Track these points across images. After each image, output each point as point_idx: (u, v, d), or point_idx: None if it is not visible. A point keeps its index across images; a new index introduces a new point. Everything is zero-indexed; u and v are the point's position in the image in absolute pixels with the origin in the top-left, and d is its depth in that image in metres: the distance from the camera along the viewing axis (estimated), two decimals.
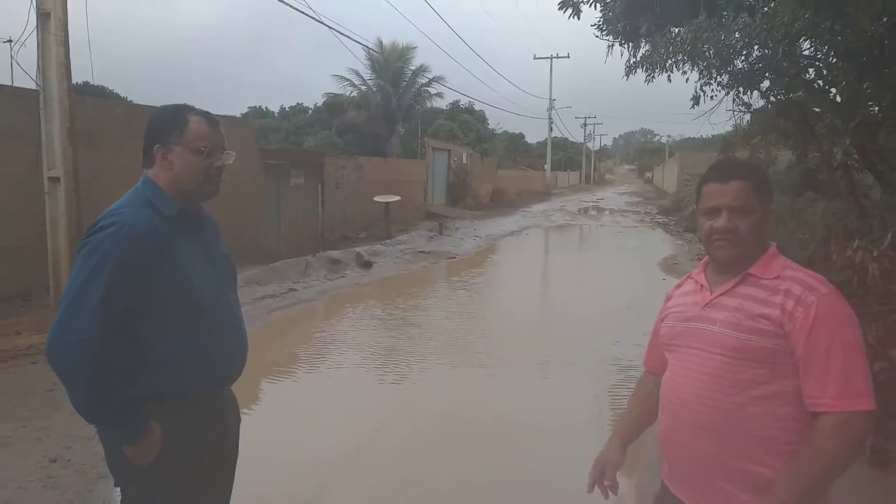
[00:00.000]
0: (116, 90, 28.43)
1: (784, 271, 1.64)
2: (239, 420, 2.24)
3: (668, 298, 1.91)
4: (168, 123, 1.94)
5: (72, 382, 1.75)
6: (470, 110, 39.06)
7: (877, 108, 8.05)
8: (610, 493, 1.91)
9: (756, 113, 11.78)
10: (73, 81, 7.66)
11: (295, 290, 9.73)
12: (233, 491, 2.24)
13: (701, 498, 1.68)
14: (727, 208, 1.65)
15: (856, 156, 8.99)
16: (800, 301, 1.55)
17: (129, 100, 24.37)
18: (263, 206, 13.08)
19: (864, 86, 7.08)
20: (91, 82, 24.49)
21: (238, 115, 20.58)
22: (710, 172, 1.75)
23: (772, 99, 10.58)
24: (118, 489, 1.98)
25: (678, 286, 1.91)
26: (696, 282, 1.80)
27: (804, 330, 1.53)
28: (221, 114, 11.92)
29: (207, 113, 1.99)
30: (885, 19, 6.01)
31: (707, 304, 1.70)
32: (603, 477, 1.91)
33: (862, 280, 5.25)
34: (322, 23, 15.82)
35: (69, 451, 4.08)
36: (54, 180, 7.27)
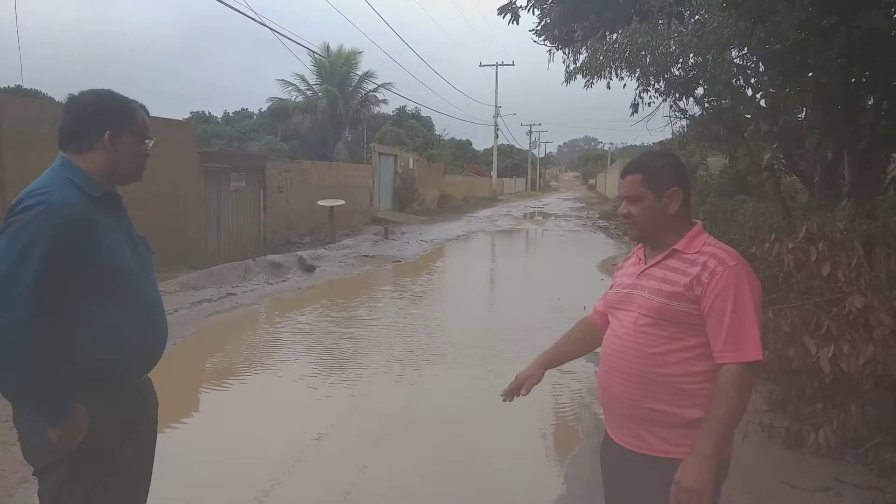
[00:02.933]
0: (50, 94, 27.46)
1: (704, 247, 1.93)
2: (157, 404, 2.21)
3: (619, 268, 2.21)
4: (120, 111, 1.99)
5: (4, 365, 1.71)
6: (416, 116, 39.15)
7: (802, 114, 8.43)
8: (514, 395, 2.35)
9: (692, 119, 12.20)
10: (5, 85, 7.40)
11: (234, 294, 9.56)
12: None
13: (624, 434, 2.00)
14: (624, 198, 2.03)
15: (783, 159, 9.39)
16: (711, 272, 1.85)
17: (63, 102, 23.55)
18: (203, 210, 12.82)
19: (787, 91, 7.38)
20: (23, 86, 23.65)
21: (180, 119, 19.93)
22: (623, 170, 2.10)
23: (706, 105, 10.97)
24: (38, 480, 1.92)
25: (627, 259, 2.21)
26: (637, 256, 2.11)
27: (710, 295, 1.83)
28: (162, 117, 11.68)
29: (142, 104, 2.09)
30: (808, 29, 6.30)
31: (640, 273, 2.01)
32: (520, 388, 2.32)
33: (786, 276, 5.49)
34: (265, 25, 15.68)
35: None
36: None
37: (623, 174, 2.04)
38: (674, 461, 1.85)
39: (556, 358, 2.40)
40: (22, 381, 1.74)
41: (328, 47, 32.47)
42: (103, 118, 1.94)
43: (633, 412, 1.95)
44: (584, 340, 2.34)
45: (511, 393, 2.34)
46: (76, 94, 2.00)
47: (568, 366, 6.06)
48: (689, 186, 2.03)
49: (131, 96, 2.07)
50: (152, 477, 2.18)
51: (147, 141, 2.05)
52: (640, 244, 2.11)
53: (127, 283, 1.91)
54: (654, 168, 1.99)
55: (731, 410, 1.80)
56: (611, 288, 2.18)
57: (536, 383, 2.31)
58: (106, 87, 2.04)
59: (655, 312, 1.90)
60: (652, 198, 1.96)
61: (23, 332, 1.68)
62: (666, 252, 1.96)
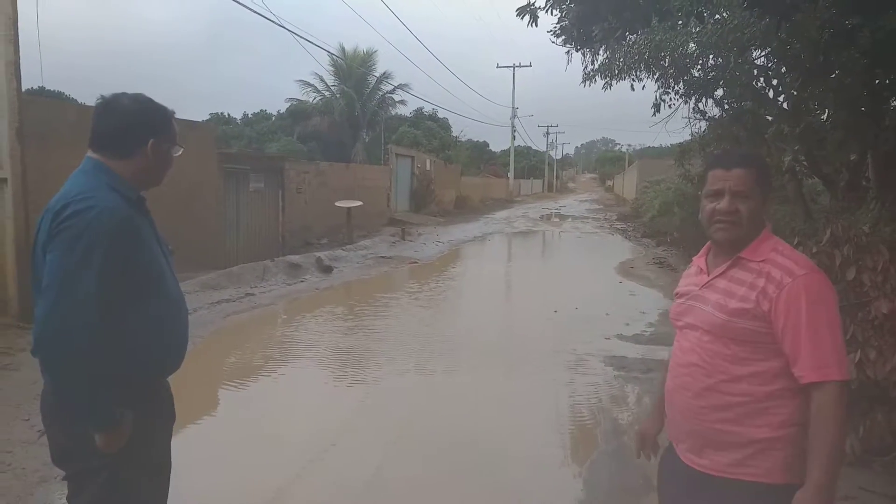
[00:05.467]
0: (73, 95, 27.80)
1: (770, 254, 1.78)
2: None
3: (683, 278, 2.09)
4: (162, 120, 2.03)
5: (69, 371, 1.73)
6: (433, 117, 39.21)
7: (824, 116, 8.31)
8: (648, 455, 2.21)
9: (711, 121, 12.07)
10: (29, 86, 7.50)
11: (252, 294, 9.61)
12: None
13: (687, 450, 1.91)
14: (730, 192, 1.80)
15: (804, 161, 9.26)
16: (778, 284, 1.71)
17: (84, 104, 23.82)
18: (222, 211, 12.91)
19: (809, 92, 7.28)
20: (45, 87, 23.97)
21: (199, 121, 20.04)
22: (715, 159, 1.94)
23: (726, 107, 10.85)
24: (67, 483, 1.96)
25: (687, 271, 2.09)
26: (698, 265, 1.97)
27: (781, 311, 1.69)
28: (182, 119, 11.81)
29: (172, 111, 2.12)
30: (830, 29, 6.21)
31: (704, 285, 1.88)
32: (645, 445, 2.20)
33: None
34: (283, 27, 15.77)
35: (10, 455, 3.96)
36: (1, 181, 7.08)
37: (729, 166, 1.82)
38: (736, 482, 1.77)
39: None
40: (81, 389, 1.75)
41: (343, 48, 32.57)
42: (149, 127, 1.98)
43: (697, 429, 1.86)
44: None
45: (639, 451, 2.24)
46: (110, 97, 1.99)
47: (586, 370, 6.07)
48: None
49: (152, 96, 2.08)
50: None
51: (176, 148, 2.09)
52: (702, 252, 2.01)
53: (163, 282, 1.97)
54: (763, 167, 1.87)
55: (841, 433, 1.66)
56: (676, 299, 2.07)
57: (657, 434, 2.19)
58: (139, 91, 2.04)
59: (719, 329, 1.79)
60: (760, 198, 1.82)
61: (86, 336, 1.70)
62: (731, 260, 1.83)
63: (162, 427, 2.06)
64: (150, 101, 2.04)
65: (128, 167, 1.94)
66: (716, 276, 1.85)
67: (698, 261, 1.99)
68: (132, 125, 1.95)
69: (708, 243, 1.98)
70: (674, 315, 2.00)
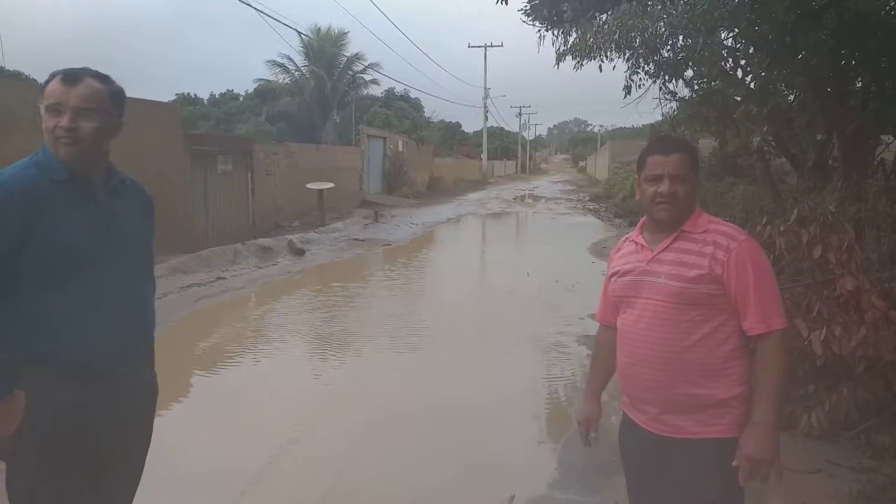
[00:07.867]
0: (33, 76, 27.00)
1: (709, 225, 1.96)
2: (152, 405, 2.11)
3: (611, 261, 2.18)
4: (42, 85, 1.89)
5: None
6: (405, 98, 38.89)
7: (791, 96, 8.42)
8: (591, 439, 2.26)
9: (682, 101, 12.15)
10: None
11: (223, 278, 9.50)
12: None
13: (651, 419, 2.00)
14: (668, 176, 1.94)
15: (772, 142, 9.39)
16: (726, 249, 1.88)
17: None
18: (190, 193, 12.69)
19: (776, 73, 7.36)
20: (5, 66, 23.21)
21: (165, 101, 19.41)
22: (653, 146, 2.04)
23: (695, 87, 10.92)
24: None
25: (617, 249, 2.17)
26: (636, 242, 2.07)
27: (732, 272, 1.86)
28: (147, 99, 11.51)
29: (72, 71, 1.87)
30: (798, 11, 6.27)
31: (650, 260, 1.98)
32: (589, 432, 2.24)
33: (777, 258, 5.49)
34: (250, 5, 15.47)
35: None
36: None
37: (667, 151, 1.95)
38: (698, 441, 1.90)
39: (602, 380, 2.30)
40: None
41: (318, 28, 32.09)
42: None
43: (661, 398, 1.96)
44: (615, 348, 2.17)
45: (585, 438, 2.27)
46: None
47: (560, 348, 6.12)
48: None
49: (115, 77, 1.94)
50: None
51: (53, 109, 1.81)
52: (635, 230, 2.10)
53: (83, 269, 1.82)
54: (694, 153, 2.02)
55: (783, 376, 1.86)
56: (610, 280, 2.13)
57: (599, 418, 2.25)
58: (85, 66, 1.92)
59: (675, 297, 1.90)
60: (694, 180, 1.98)
61: None
62: (674, 235, 1.95)
63: (92, 425, 1.84)
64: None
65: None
66: (661, 251, 1.96)
67: (635, 238, 2.08)
68: None
69: (640, 224, 2.12)
70: (621, 292, 2.06)
